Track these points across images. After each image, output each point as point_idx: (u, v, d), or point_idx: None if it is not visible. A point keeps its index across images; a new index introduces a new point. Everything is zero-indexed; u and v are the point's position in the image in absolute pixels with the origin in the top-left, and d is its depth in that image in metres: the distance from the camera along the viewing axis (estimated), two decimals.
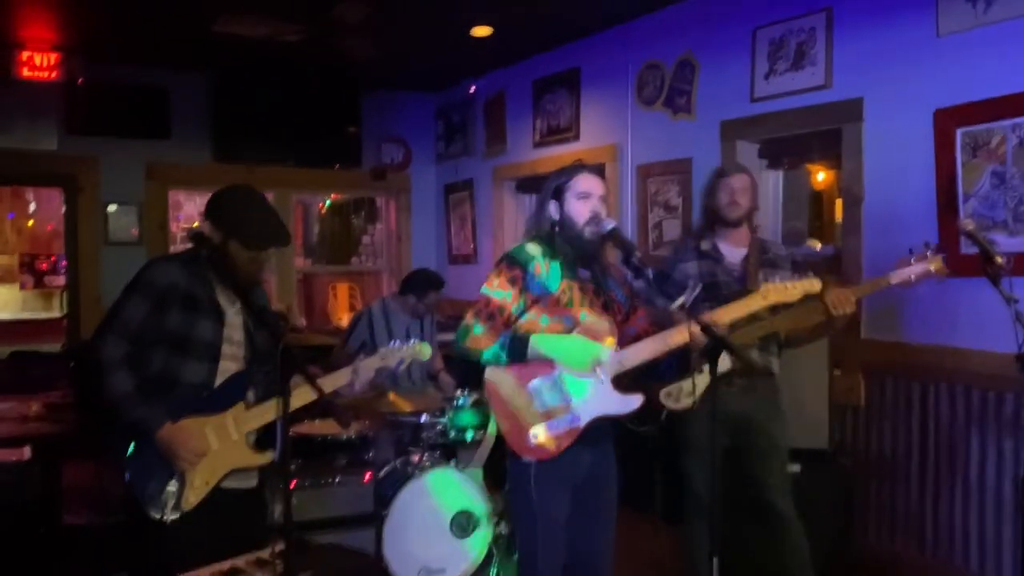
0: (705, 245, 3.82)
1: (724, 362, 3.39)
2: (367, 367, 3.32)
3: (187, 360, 3.07)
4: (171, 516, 2.98)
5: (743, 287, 3.64)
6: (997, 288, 3.16)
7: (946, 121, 4.03)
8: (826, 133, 4.68)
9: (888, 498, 4.35)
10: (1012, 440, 3.84)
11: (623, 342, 3.09)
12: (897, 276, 3.28)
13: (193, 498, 3.00)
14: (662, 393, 3.45)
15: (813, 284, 3.13)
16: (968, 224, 3.32)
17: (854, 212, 4.52)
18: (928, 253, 3.24)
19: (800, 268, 3.77)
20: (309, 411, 4.81)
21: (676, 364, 3.27)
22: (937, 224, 4.07)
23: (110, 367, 2.96)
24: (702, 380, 3.40)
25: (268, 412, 3.14)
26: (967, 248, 3.75)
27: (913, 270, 3.25)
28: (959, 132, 3.98)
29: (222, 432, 3.08)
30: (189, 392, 3.06)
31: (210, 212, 3.18)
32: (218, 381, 3.13)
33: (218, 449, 3.06)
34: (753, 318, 3.33)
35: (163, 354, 3.04)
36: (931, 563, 4.17)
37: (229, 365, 3.17)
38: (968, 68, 3.97)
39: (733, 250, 3.80)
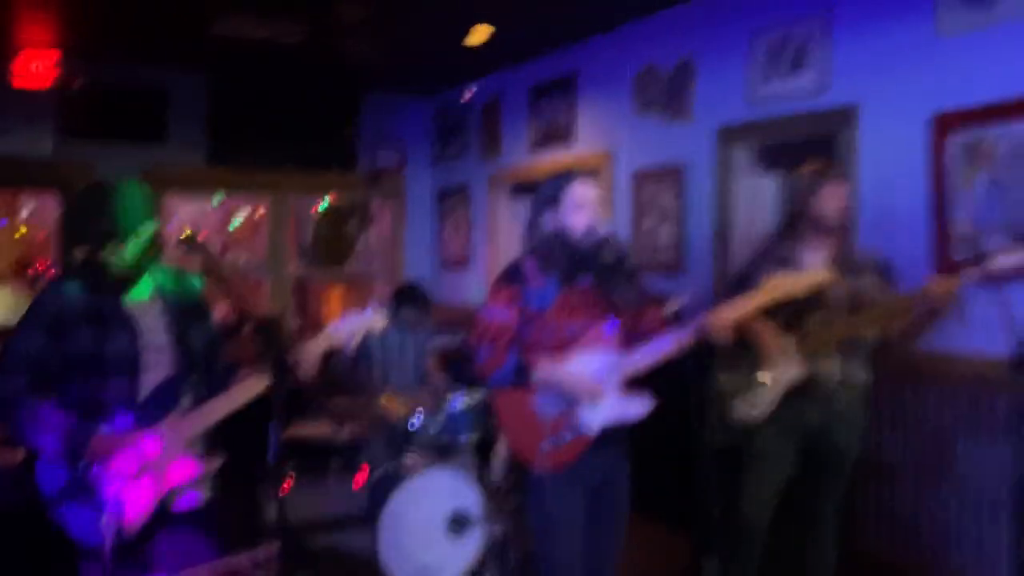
0: (784, 251, 3.63)
1: (788, 371, 3.39)
2: (310, 350, 3.09)
3: (107, 378, 2.90)
4: (111, 545, 2.81)
5: (819, 296, 3.42)
6: (990, 292, 3.16)
7: (941, 126, 4.04)
8: (823, 137, 4.68)
9: (882, 502, 4.35)
10: (1006, 443, 3.83)
11: (634, 342, 3.09)
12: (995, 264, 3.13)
13: (138, 516, 2.85)
14: (737, 402, 3.43)
15: (819, 275, 3.11)
16: (963, 228, 3.30)
17: (849, 215, 4.50)
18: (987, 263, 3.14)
19: (888, 276, 3.64)
20: (302, 412, 4.83)
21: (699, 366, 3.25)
22: (932, 229, 4.08)
23: (11, 405, 2.81)
24: (768, 391, 3.38)
25: (210, 414, 2.99)
26: (960, 254, 3.77)
27: (1011, 260, 3.12)
28: (955, 136, 3.99)
29: (160, 441, 2.90)
30: (115, 408, 2.89)
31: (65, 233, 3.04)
32: (145, 391, 2.96)
33: (158, 459, 2.89)
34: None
35: (79, 379, 2.88)
36: (925, 566, 4.16)
37: (155, 374, 2.98)
38: (965, 73, 3.98)
39: (814, 256, 3.58)
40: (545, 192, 3.15)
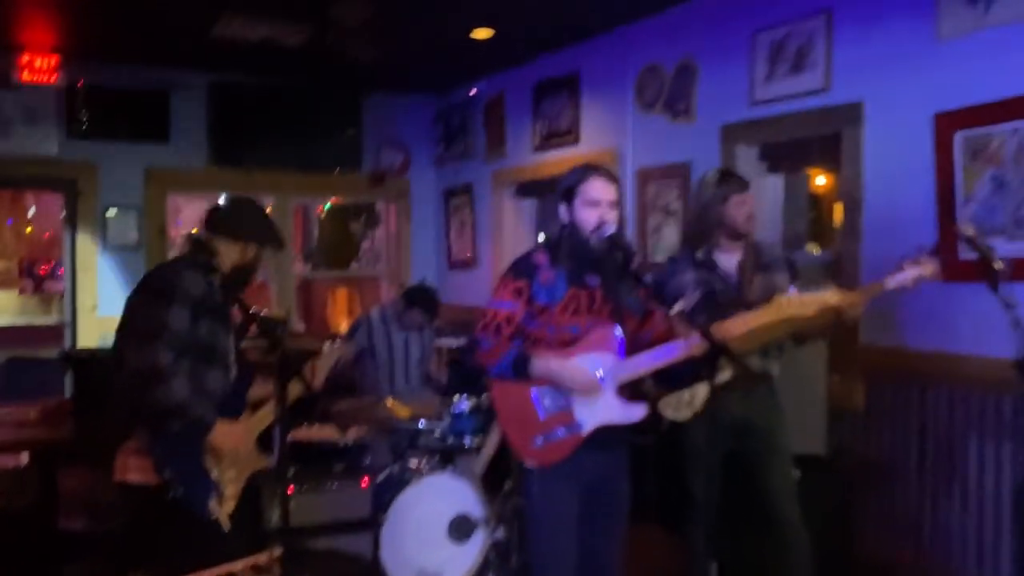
0: (700, 255, 3.75)
1: (724, 372, 3.40)
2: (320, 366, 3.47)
3: (211, 368, 3.13)
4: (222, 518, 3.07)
5: (739, 294, 3.63)
6: (996, 293, 3.14)
7: (946, 125, 4.02)
8: (826, 136, 4.66)
9: (887, 503, 4.33)
10: (1010, 445, 3.81)
11: (637, 347, 3.08)
12: (893, 281, 3.27)
13: (231, 503, 3.11)
14: (662, 403, 3.44)
15: (830, 297, 3.12)
16: (968, 229, 3.31)
17: (853, 216, 4.50)
18: (922, 257, 3.24)
19: (795, 271, 3.78)
20: (306, 416, 4.83)
21: (691, 370, 3.25)
22: (936, 228, 4.06)
23: (166, 375, 2.95)
24: (702, 390, 3.40)
25: (268, 415, 3.23)
26: (966, 253, 3.74)
27: (907, 275, 3.25)
28: (959, 136, 3.96)
29: (249, 433, 3.22)
30: (215, 398, 3.13)
31: (219, 225, 3.26)
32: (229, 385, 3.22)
33: (246, 451, 3.20)
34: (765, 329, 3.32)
35: (190, 363, 3.06)
36: (930, 568, 4.15)
37: (232, 371, 3.26)
38: (968, 71, 3.95)
39: (727, 257, 3.75)
40: (563, 184, 3.15)
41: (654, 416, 3.50)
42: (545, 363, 3.01)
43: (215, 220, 3.28)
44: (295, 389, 3.24)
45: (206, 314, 3.08)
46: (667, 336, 3.07)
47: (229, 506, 3.09)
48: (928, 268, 3.23)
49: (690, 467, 3.76)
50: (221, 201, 3.40)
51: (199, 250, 3.23)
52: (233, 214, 3.32)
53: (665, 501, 4.51)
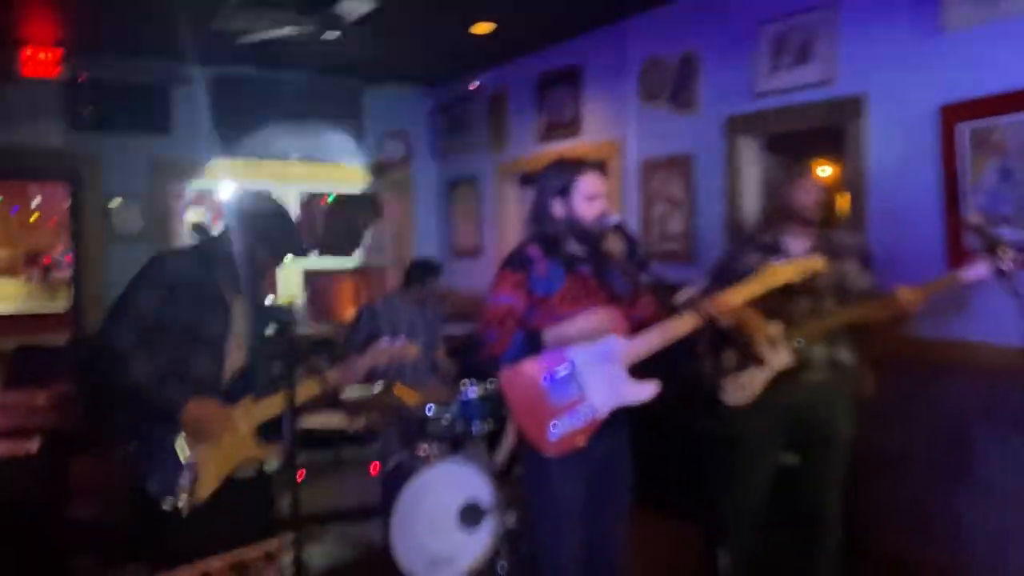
0: (767, 238, 3.75)
1: (781, 357, 3.44)
2: (361, 365, 3.37)
3: (196, 353, 3.10)
4: (185, 508, 2.98)
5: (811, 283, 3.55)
6: (1003, 282, 3.18)
7: (951, 116, 4.05)
8: (831, 128, 4.68)
9: (897, 492, 4.36)
10: (1020, 434, 3.84)
11: (631, 329, 3.12)
12: (971, 273, 3.29)
13: (205, 490, 3.02)
14: (722, 386, 3.48)
15: (813, 263, 3.16)
16: (974, 218, 3.35)
17: (857, 207, 4.53)
18: (999, 248, 3.25)
19: (867, 259, 3.74)
20: (316, 404, 4.85)
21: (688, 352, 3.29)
22: (941, 219, 4.09)
23: (126, 355, 2.96)
24: (759, 375, 3.43)
25: (275, 405, 3.15)
26: (972, 243, 3.77)
27: (982, 268, 3.28)
28: (965, 127, 3.99)
29: (233, 424, 3.11)
30: (198, 385, 3.07)
31: (250, 221, 3.24)
32: (225, 374, 3.16)
33: (229, 441, 3.09)
34: (811, 306, 3.39)
35: (172, 347, 3.05)
36: (938, 558, 4.18)
37: (234, 358, 3.20)
38: (973, 63, 3.98)
39: (796, 242, 3.70)
40: (554, 181, 3.18)
41: (713, 400, 3.56)
42: (556, 329, 3.06)
43: (239, 217, 3.26)
44: (311, 388, 3.25)
45: (190, 298, 3.06)
46: (655, 318, 3.13)
47: (204, 491, 3.02)
48: (1009, 255, 3.23)
49: (744, 456, 3.76)
50: (244, 195, 3.42)
51: (205, 240, 3.27)
52: (258, 217, 3.27)
53: (677, 489, 4.55)
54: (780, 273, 3.13)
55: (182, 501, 2.98)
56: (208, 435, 3.02)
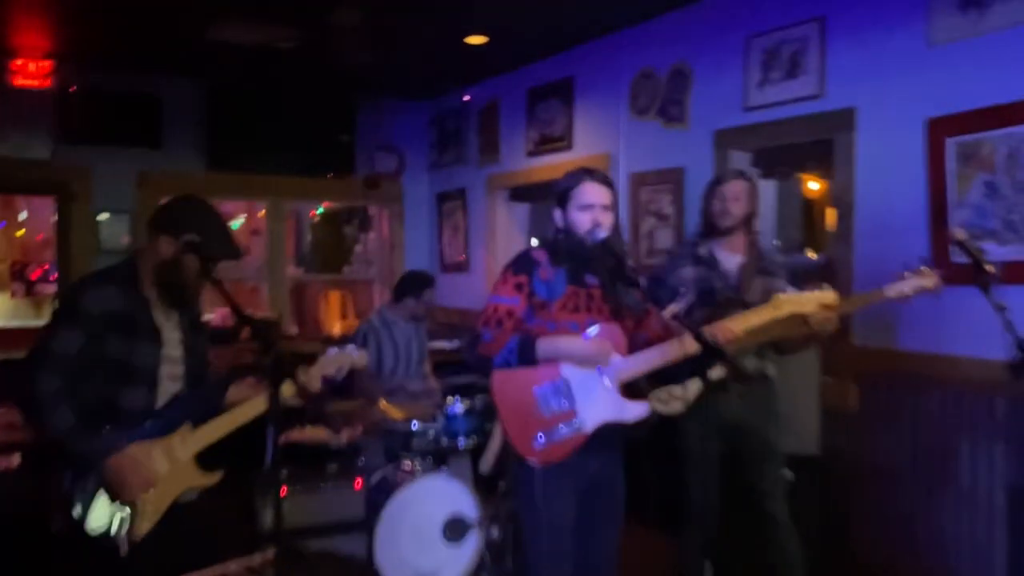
0: (702, 251, 3.82)
1: (717, 370, 3.42)
2: (313, 375, 3.15)
3: (127, 386, 2.92)
4: (123, 547, 2.81)
5: (738, 294, 3.66)
6: (988, 296, 3.16)
7: (938, 131, 4.05)
8: (819, 142, 4.69)
9: (880, 504, 4.35)
10: (1003, 446, 3.84)
11: (634, 347, 3.10)
12: (893, 290, 3.28)
13: (145, 526, 2.86)
14: (652, 397, 3.45)
15: (827, 296, 3.15)
16: (959, 233, 3.33)
17: (846, 221, 4.52)
18: (924, 269, 3.24)
19: (796, 277, 3.81)
20: (300, 418, 4.83)
21: (687, 368, 3.26)
22: (928, 233, 4.09)
23: (48, 404, 2.76)
24: (694, 384, 3.41)
25: (215, 432, 3.00)
26: (958, 257, 3.76)
27: (909, 284, 3.26)
28: (951, 142, 3.99)
29: (171, 455, 2.93)
30: (130, 419, 2.89)
31: (164, 223, 3.00)
32: (159, 403, 2.99)
33: (168, 473, 2.92)
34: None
35: (100, 383, 2.86)
36: (923, 569, 4.16)
37: (168, 386, 3.03)
38: (960, 78, 3.99)
39: (729, 257, 3.80)
40: (558, 188, 3.18)
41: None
42: (552, 342, 3.03)
43: (161, 219, 3.04)
44: (288, 390, 3.06)
45: (117, 330, 2.87)
46: (663, 337, 3.10)
47: (142, 529, 2.84)
48: (931, 280, 3.23)
49: (686, 467, 3.80)
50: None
51: (126, 260, 3.04)
52: (163, 209, 3.07)
53: (661, 501, 4.53)
54: (786, 304, 3.12)
55: (120, 543, 2.82)
56: (129, 492, 2.82)
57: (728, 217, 3.76)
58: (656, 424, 3.41)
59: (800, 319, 3.29)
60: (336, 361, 3.19)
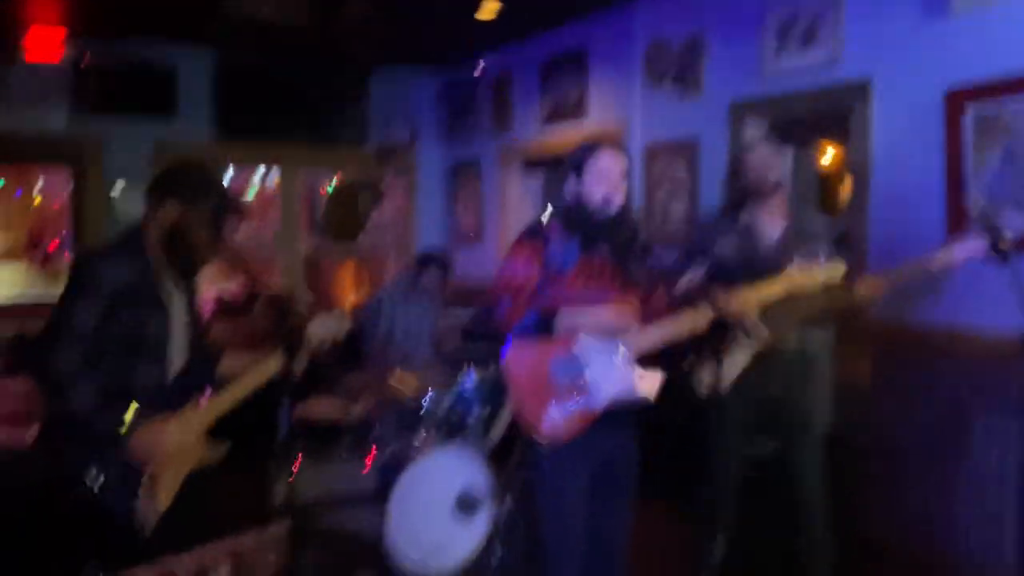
0: (744, 219, 3.76)
1: (753, 345, 3.41)
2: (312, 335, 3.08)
3: (139, 362, 2.89)
4: (149, 525, 2.83)
5: (779, 262, 3.57)
6: (1004, 267, 3.13)
7: (956, 99, 3.99)
8: (836, 111, 4.63)
9: (892, 480, 4.33)
10: (1017, 421, 3.80)
11: (645, 320, 3.08)
12: (940, 259, 3.24)
13: (164, 502, 2.86)
14: (695, 376, 3.45)
15: (837, 269, 3.11)
16: (976, 203, 3.29)
17: (861, 191, 4.48)
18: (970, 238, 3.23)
19: (841, 241, 3.74)
20: (313, 391, 4.83)
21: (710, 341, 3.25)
22: (944, 203, 4.04)
23: (68, 382, 2.72)
24: (734, 363, 3.40)
25: (220, 405, 2.99)
26: (974, 227, 3.72)
27: (956, 252, 3.23)
28: (970, 110, 3.93)
29: (185, 428, 2.91)
30: (145, 392, 2.86)
31: (166, 187, 2.95)
32: (170, 373, 2.98)
33: (183, 447, 2.91)
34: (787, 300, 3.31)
35: (113, 358, 2.83)
36: (934, 544, 4.15)
37: (177, 355, 3.01)
38: (979, 46, 3.92)
39: (771, 222, 3.75)
40: (571, 159, 3.15)
41: (686, 389, 3.52)
42: (570, 319, 3.02)
43: (163, 183, 2.98)
44: (267, 370, 3.02)
45: (129, 306, 2.82)
46: (672, 309, 3.08)
47: (163, 504, 2.84)
48: (1009, 240, 3.19)
49: (718, 442, 3.78)
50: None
51: (133, 229, 2.97)
52: (164, 174, 3.01)
53: (677, 475, 4.52)
54: (800, 278, 3.09)
55: (146, 521, 2.82)
56: (152, 468, 2.81)
57: (766, 182, 3.70)
58: (699, 402, 3.42)
59: (845, 294, 3.27)
60: (321, 323, 3.11)
